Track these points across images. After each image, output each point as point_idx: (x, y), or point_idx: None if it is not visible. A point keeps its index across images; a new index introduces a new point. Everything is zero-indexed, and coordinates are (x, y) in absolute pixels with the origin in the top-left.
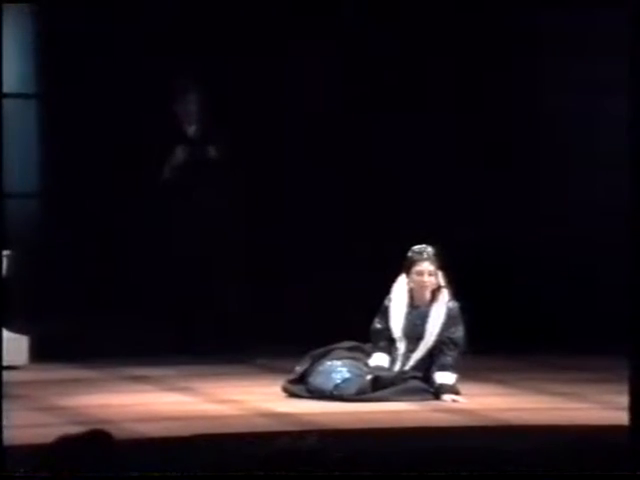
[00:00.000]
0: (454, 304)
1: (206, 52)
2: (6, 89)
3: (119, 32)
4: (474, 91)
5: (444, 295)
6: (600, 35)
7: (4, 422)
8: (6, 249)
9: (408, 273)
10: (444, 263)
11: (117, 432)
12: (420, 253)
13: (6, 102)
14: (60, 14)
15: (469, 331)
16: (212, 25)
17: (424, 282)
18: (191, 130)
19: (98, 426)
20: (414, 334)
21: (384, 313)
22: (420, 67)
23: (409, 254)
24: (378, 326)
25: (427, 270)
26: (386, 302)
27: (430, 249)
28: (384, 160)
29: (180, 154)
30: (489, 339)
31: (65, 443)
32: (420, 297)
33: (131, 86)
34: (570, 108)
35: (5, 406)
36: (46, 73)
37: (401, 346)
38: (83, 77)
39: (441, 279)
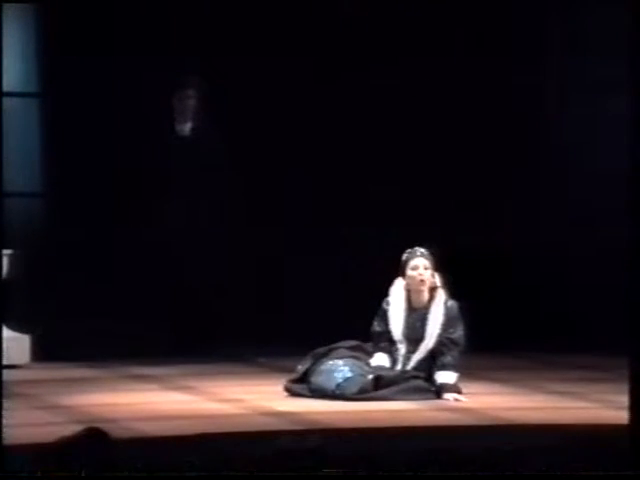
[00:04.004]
0: (453, 303)
1: (206, 51)
2: (9, 88)
3: (121, 30)
4: (475, 92)
5: (441, 295)
6: (601, 35)
7: (6, 421)
8: (8, 248)
9: (404, 274)
10: (443, 263)
11: (118, 431)
12: (414, 251)
13: (9, 101)
14: (62, 13)
15: (470, 330)
16: (212, 23)
17: (421, 275)
18: (187, 127)
19: (99, 425)
20: (414, 336)
21: (383, 316)
22: (423, 66)
23: (403, 256)
24: (378, 329)
25: (422, 264)
26: (384, 305)
27: (423, 249)
28: (386, 162)
29: (177, 151)
30: (490, 338)
31: (63, 442)
32: (418, 299)
33: (133, 85)
34: (572, 109)
35: (7, 405)
36: (48, 72)
37: (402, 347)
38: (85, 76)
39: (438, 280)
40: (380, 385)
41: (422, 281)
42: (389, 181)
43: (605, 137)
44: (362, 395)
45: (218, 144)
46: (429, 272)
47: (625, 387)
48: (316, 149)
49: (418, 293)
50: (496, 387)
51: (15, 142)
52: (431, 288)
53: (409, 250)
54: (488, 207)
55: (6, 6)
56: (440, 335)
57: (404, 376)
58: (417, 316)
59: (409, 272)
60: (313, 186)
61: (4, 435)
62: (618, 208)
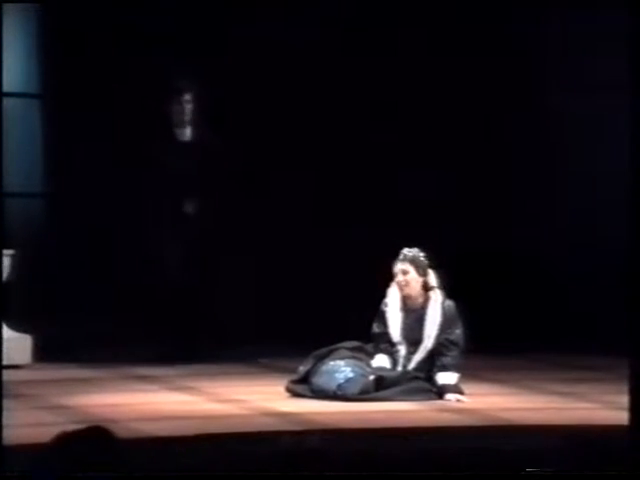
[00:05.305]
0: (450, 304)
1: (206, 54)
2: (11, 89)
3: (122, 32)
4: (474, 92)
5: (437, 295)
6: (601, 35)
7: (7, 421)
8: (10, 249)
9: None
10: (443, 263)
11: (120, 431)
12: (399, 255)
13: (11, 102)
14: (63, 14)
15: (471, 331)
16: (212, 27)
17: (399, 282)
18: (186, 131)
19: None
20: (413, 337)
21: (381, 318)
22: (422, 66)
23: None
24: (377, 330)
25: (400, 269)
26: (382, 307)
27: (407, 250)
28: (387, 163)
29: (175, 156)
30: (491, 339)
31: (65, 440)
32: (412, 301)
33: (135, 86)
34: (570, 110)
35: (8, 405)
36: (49, 73)
37: (401, 349)
38: (86, 77)
39: (433, 280)
40: (381, 386)
41: (402, 287)
42: (389, 181)
43: (605, 137)
44: (363, 396)
45: (217, 147)
46: (410, 275)
47: (624, 387)
48: (316, 150)
49: (409, 296)
50: (497, 388)
51: (16, 143)
52: (426, 288)
53: (400, 253)
54: (488, 207)
55: (8, 7)
56: (438, 336)
57: (405, 377)
58: (414, 317)
59: (395, 278)
60: (313, 187)
61: (5, 435)
62: (618, 208)
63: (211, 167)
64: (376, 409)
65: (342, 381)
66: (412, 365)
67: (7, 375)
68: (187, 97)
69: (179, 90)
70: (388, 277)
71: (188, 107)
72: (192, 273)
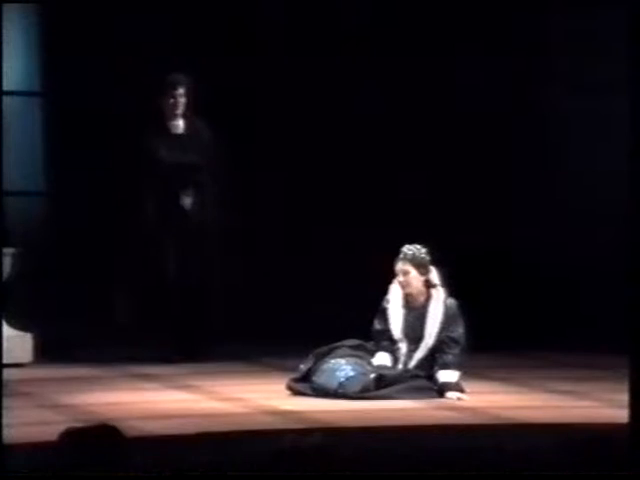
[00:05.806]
0: (452, 302)
1: (205, 52)
2: (12, 87)
3: (122, 30)
4: (474, 94)
5: (440, 293)
6: (601, 35)
7: (8, 420)
8: (12, 247)
9: None
10: (444, 262)
11: (121, 430)
12: (399, 254)
13: (11, 100)
14: (63, 12)
15: (472, 329)
16: (210, 24)
17: (400, 282)
18: (178, 126)
19: None
20: (414, 335)
21: (382, 314)
22: (422, 65)
23: None
24: (378, 327)
25: (401, 269)
26: (384, 304)
27: (408, 248)
28: (387, 162)
29: (168, 150)
30: (492, 337)
31: (72, 437)
32: (413, 298)
33: (136, 85)
34: (570, 110)
35: (10, 404)
36: (50, 71)
37: (402, 346)
38: (87, 75)
39: (435, 277)
40: (382, 384)
41: (403, 287)
42: (390, 181)
43: (605, 137)
44: (364, 394)
45: (211, 141)
46: (411, 275)
47: (626, 385)
48: (316, 147)
49: (410, 294)
50: (498, 386)
51: (17, 141)
52: (428, 286)
53: (401, 251)
54: (489, 206)
55: (8, 6)
56: (440, 334)
57: (406, 375)
58: (416, 315)
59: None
60: (312, 185)
61: (6, 434)
62: (618, 207)
63: (210, 165)
64: (377, 407)
65: (343, 379)
66: (413, 363)
67: (8, 373)
68: (179, 91)
69: (171, 85)
70: (389, 274)
71: (181, 101)
72: (192, 270)
